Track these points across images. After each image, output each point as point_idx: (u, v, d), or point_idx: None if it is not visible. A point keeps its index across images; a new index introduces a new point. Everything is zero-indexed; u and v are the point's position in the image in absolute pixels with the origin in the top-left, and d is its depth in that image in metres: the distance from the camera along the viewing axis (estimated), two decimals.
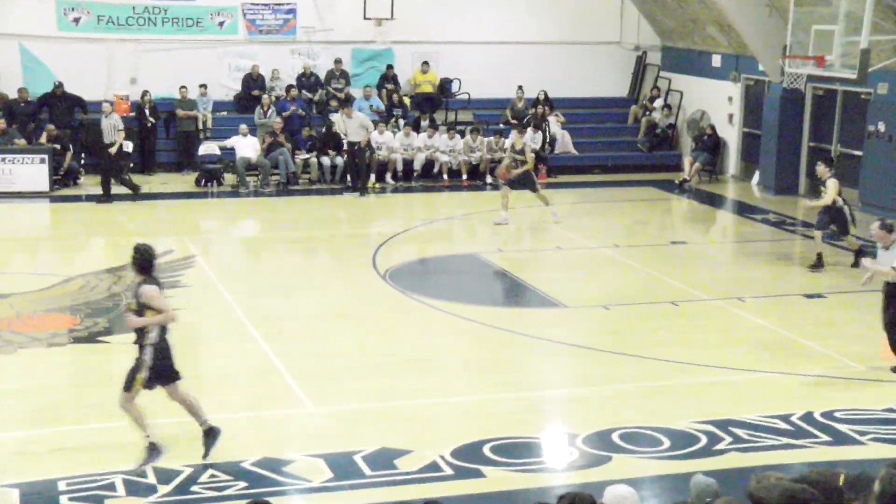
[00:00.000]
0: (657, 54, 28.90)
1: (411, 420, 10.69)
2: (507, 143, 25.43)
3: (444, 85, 27.64)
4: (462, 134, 25.50)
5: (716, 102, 26.42)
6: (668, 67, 28.38)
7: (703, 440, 10.22)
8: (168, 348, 9.43)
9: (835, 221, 16.91)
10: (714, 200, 23.70)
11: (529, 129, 25.79)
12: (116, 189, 22.19)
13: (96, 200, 21.89)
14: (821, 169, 17.04)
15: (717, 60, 26.47)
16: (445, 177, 24.85)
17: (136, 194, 22.33)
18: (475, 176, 25.17)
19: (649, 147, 27.30)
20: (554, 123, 26.83)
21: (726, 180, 25.77)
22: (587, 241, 19.29)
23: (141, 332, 9.29)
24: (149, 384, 9.36)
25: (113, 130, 22.04)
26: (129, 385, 9.29)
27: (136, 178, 24.07)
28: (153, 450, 9.32)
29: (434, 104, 27.13)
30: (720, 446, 10.11)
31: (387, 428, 10.42)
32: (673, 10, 27.15)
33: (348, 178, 23.99)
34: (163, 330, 9.40)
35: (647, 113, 27.75)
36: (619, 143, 27.92)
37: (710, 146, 25.69)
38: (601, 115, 28.76)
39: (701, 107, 26.84)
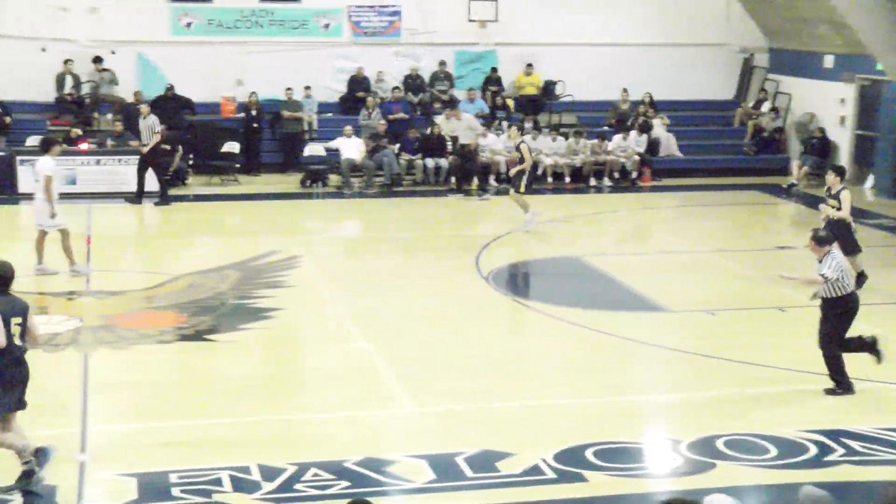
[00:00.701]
0: (765, 56, 28.41)
1: (512, 422, 10.65)
2: (611, 146, 25.27)
3: (548, 87, 27.53)
4: (566, 136, 25.38)
5: (826, 104, 25.82)
6: (776, 69, 27.86)
7: (813, 450, 9.96)
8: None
9: (839, 238, 15.14)
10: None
11: (633, 132, 25.58)
12: (222, 189, 22.58)
13: (154, 203, 21.97)
14: (831, 179, 15.59)
15: (829, 61, 25.87)
16: (550, 179, 24.76)
17: (162, 198, 22.15)
18: (578, 178, 25.03)
19: (755, 150, 26.85)
20: (658, 126, 26.54)
21: None
22: (691, 244, 19.04)
23: None
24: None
25: (149, 132, 22.03)
26: None
27: (242, 179, 24.54)
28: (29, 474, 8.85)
29: (538, 106, 27.05)
30: (832, 457, 9.82)
31: (488, 430, 10.39)
32: (782, 10, 26.62)
33: (453, 179, 24.07)
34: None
35: (754, 116, 27.29)
36: (724, 147, 27.51)
37: (820, 149, 25.15)
38: (706, 117, 28.38)
39: (810, 109, 26.29)
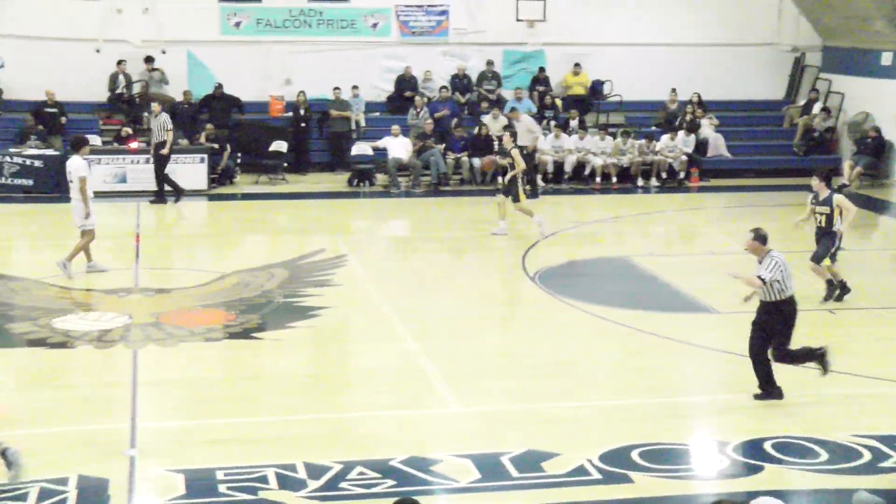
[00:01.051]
0: (817, 54, 28.10)
1: (558, 422, 10.61)
2: (659, 146, 25.13)
3: (596, 87, 27.42)
4: (613, 136, 25.28)
5: (882, 103, 25.44)
6: (829, 68, 27.54)
7: (867, 455, 9.77)
8: None
9: (819, 244, 14.78)
10: (876, 205, 22.90)
11: (681, 132, 25.41)
12: (270, 188, 22.69)
13: (150, 201, 21.82)
14: (817, 184, 14.67)
15: (886, 58, 25.47)
16: (598, 179, 24.67)
17: (157, 197, 22.01)
18: (625, 178, 24.91)
19: (805, 151, 26.56)
20: (707, 126, 26.35)
21: (891, 184, 24.86)
22: (739, 245, 18.81)
23: None
24: None
25: (162, 130, 21.96)
26: None
27: (290, 178, 24.67)
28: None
29: (585, 106, 26.96)
30: (887, 464, 9.63)
31: (533, 430, 10.36)
32: (836, 8, 26.29)
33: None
34: None
35: (805, 116, 27.00)
36: (773, 147, 27.27)
37: (874, 149, 24.83)
38: (755, 118, 28.14)
39: (865, 108, 25.95)
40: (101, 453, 9.55)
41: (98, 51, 25.39)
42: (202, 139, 24.21)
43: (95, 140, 23.60)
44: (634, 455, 9.68)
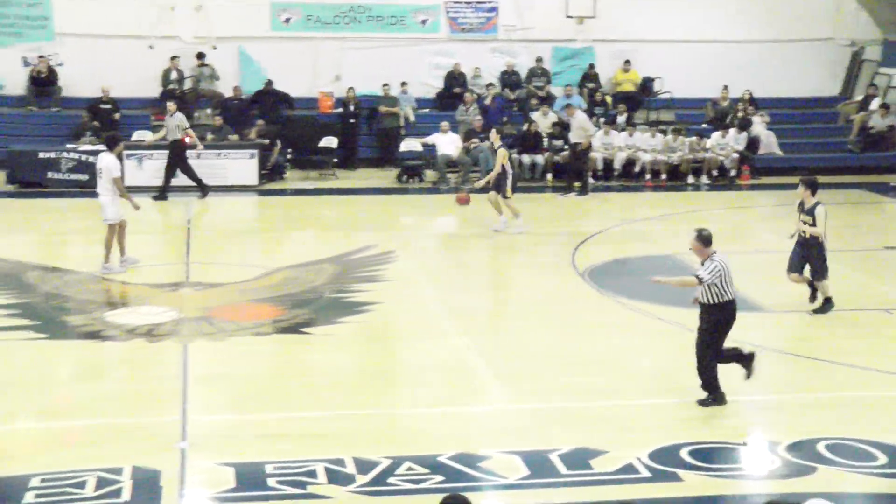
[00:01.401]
0: (876, 49, 27.65)
1: (607, 420, 10.55)
2: (709, 143, 24.93)
3: (646, 84, 27.27)
4: (664, 133, 25.13)
5: None
6: (890, 63, 27.06)
7: None
8: None
9: (808, 259, 14.01)
10: None
11: (733, 130, 25.21)
12: (320, 184, 22.72)
13: (153, 197, 21.66)
14: (802, 192, 13.93)
15: None
16: (648, 176, 24.53)
17: (161, 193, 21.97)
18: (676, 176, 24.75)
19: (861, 148, 26.22)
20: (758, 124, 26.11)
21: None
22: (791, 244, 18.62)
23: None
24: None
25: (177, 129, 22.00)
26: None
27: (339, 174, 24.75)
28: None
29: (635, 103, 26.81)
30: None
31: (582, 427, 10.32)
32: None
33: (548, 176, 24.03)
34: None
35: (862, 112, 26.64)
36: (828, 144, 26.95)
37: None
38: (809, 114, 27.84)
39: None
40: (153, 445, 9.64)
41: (151, 47, 25.65)
42: (252, 135, 24.35)
43: (147, 136, 23.87)
44: (683, 453, 9.62)
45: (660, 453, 9.61)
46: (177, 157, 22.03)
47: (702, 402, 10.78)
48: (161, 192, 21.91)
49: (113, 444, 9.69)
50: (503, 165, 18.87)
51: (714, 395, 10.76)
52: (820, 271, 13.98)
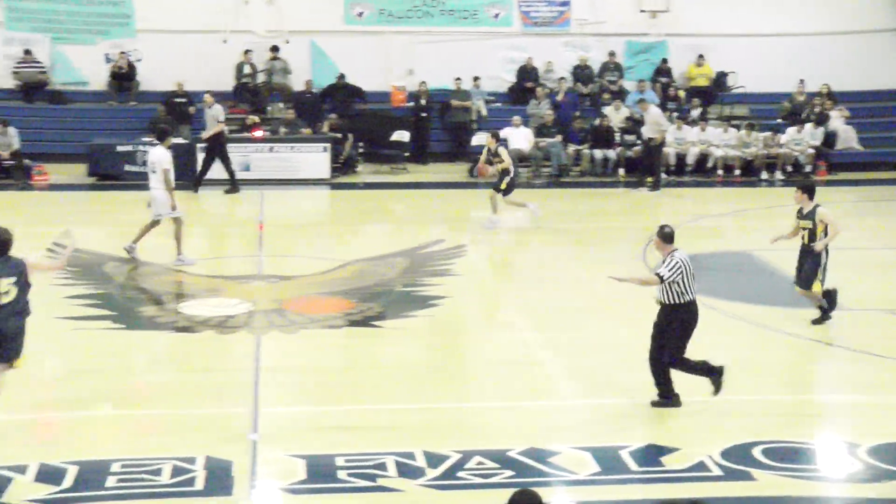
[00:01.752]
0: None
1: (679, 417, 10.44)
2: (784, 138, 24.58)
3: (720, 78, 26.94)
4: (738, 128, 24.83)
5: None
6: None
7: None
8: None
9: (803, 266, 13.20)
10: None
11: (808, 124, 24.82)
12: (391, 177, 22.80)
13: (224, 191, 21.94)
14: (799, 197, 13.12)
15: None
16: (721, 172, 24.25)
17: (232, 186, 22.06)
18: (749, 171, 24.44)
19: None
20: (837, 118, 25.66)
21: None
22: (870, 241, 18.34)
23: None
24: None
25: (213, 121, 22.05)
26: None
27: (410, 167, 24.80)
28: None
29: (709, 98, 26.51)
30: None
31: (653, 424, 10.24)
32: None
33: (620, 171, 23.89)
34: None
35: None
36: None
37: None
38: (891, 108, 27.24)
39: None
40: (225, 436, 9.75)
41: (225, 41, 25.90)
42: (325, 129, 24.49)
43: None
44: (757, 452, 9.47)
45: (732, 451, 9.48)
46: (217, 148, 22.15)
47: (654, 404, 10.51)
48: (232, 186, 22.12)
49: (187, 434, 9.83)
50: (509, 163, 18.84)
51: (667, 396, 10.48)
52: (808, 278, 13.08)
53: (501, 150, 19.21)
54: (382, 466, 9.13)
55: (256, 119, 24.60)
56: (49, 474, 8.86)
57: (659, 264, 10.36)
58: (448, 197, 22.59)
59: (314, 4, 26.55)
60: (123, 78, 26.10)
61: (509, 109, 25.91)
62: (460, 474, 9.04)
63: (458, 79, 25.84)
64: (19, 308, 9.54)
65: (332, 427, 10.11)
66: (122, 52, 26.06)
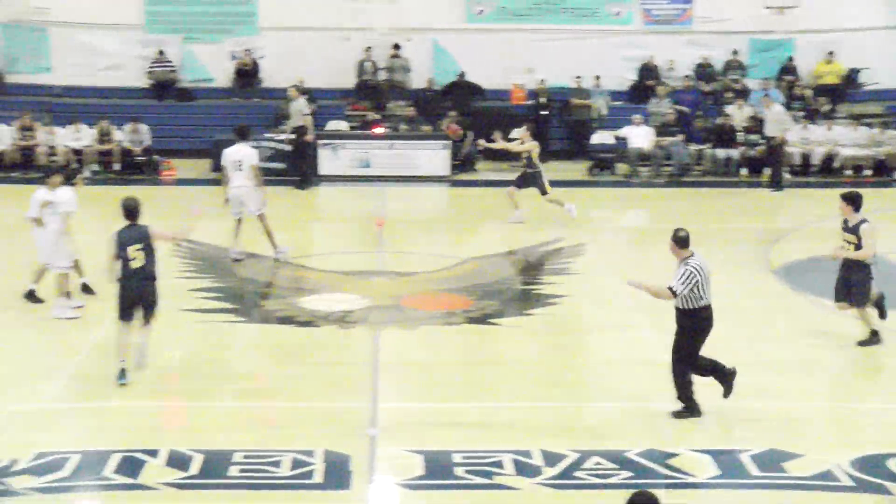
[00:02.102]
0: None
1: (803, 423, 10.21)
2: None
3: (851, 75, 26.22)
4: (869, 126, 24.12)
5: None
6: None
7: None
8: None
9: (852, 284, 12.23)
10: None
11: None
12: (511, 175, 22.68)
13: (295, 186, 21.85)
14: (844, 208, 12.22)
15: None
16: (849, 171, 23.61)
17: (303, 181, 22.03)
18: (882, 171, 23.74)
19: None
20: None
21: None
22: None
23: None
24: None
25: (299, 115, 21.94)
26: None
27: None
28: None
29: (838, 96, 25.82)
30: None
31: (776, 428, 10.01)
32: None
33: (742, 171, 23.46)
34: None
35: None
36: None
37: None
38: None
39: None
40: (343, 430, 9.86)
41: (348, 39, 26.20)
42: (445, 126, 24.56)
43: (342, 125, 24.42)
44: (892, 464, 9.16)
45: (863, 461, 9.20)
46: (302, 142, 22.22)
47: (675, 414, 10.24)
48: (304, 181, 22.24)
49: (306, 427, 9.97)
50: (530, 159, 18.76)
51: (688, 405, 10.20)
52: (859, 297, 12.29)
53: (530, 146, 19.08)
54: (499, 464, 9.13)
55: (376, 116, 24.81)
56: (177, 460, 9.14)
57: (673, 275, 10.08)
58: (567, 195, 22.36)
59: (435, 3, 26.68)
60: (247, 75, 26.61)
61: (630, 108, 25.64)
62: (577, 474, 8.99)
63: (579, 77, 25.66)
64: (148, 273, 10.56)
65: (449, 423, 10.14)
66: (247, 50, 26.58)
